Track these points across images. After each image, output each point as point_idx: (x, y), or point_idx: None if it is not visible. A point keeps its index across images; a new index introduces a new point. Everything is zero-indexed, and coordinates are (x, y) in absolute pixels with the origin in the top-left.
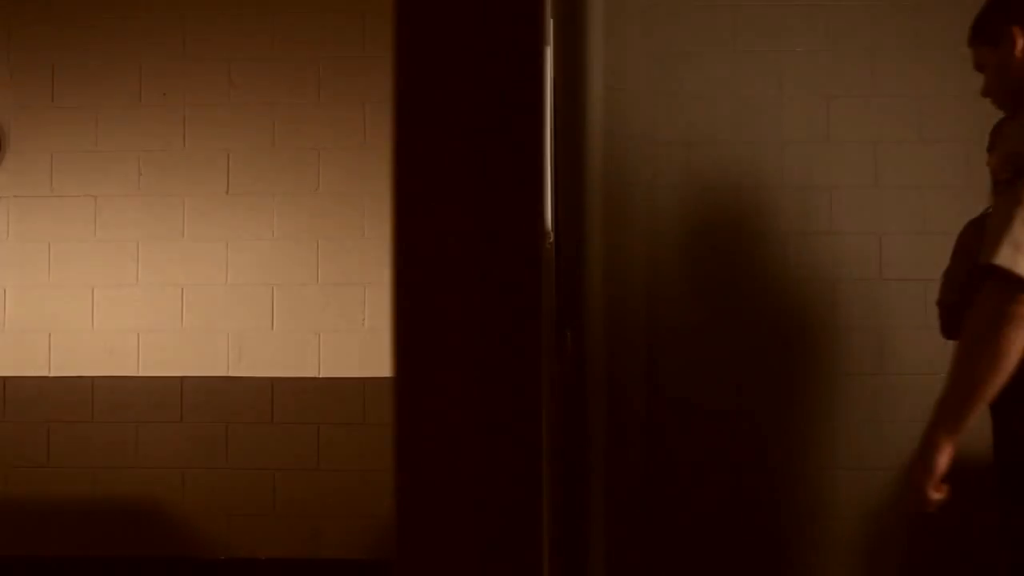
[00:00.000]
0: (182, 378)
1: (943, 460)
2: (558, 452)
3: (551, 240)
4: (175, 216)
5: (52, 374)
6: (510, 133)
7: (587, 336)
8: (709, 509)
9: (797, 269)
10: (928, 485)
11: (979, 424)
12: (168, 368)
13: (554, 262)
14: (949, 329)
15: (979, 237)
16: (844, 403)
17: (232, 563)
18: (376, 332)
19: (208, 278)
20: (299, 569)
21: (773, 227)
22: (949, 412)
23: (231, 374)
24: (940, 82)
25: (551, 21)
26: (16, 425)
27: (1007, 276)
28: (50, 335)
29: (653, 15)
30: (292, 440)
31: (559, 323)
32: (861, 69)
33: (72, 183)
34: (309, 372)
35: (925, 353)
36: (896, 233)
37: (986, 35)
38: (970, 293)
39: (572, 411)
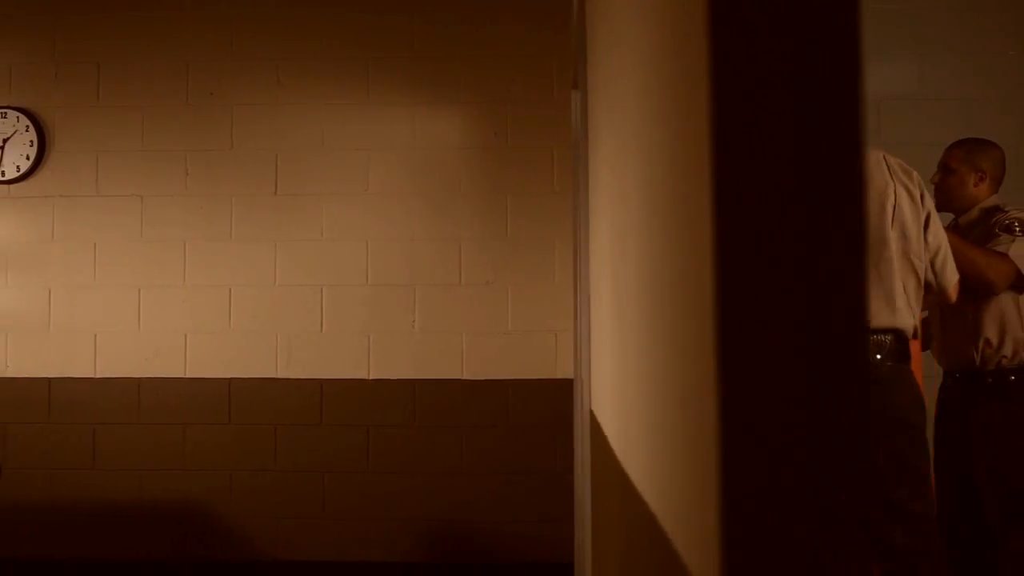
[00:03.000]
0: (230, 379)
1: None
2: None
3: None
4: (223, 216)
5: (98, 375)
6: (826, 132)
7: None
8: None
9: None
10: None
11: None
12: (215, 369)
13: None
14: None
15: None
16: None
17: (280, 566)
18: (426, 334)
19: (256, 279)
20: (349, 572)
21: None
22: None
23: (279, 375)
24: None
25: None
26: (62, 427)
27: None
28: (96, 336)
29: None
30: (341, 442)
31: None
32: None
33: (118, 183)
34: (359, 374)
35: None
36: None
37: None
38: None
39: None
